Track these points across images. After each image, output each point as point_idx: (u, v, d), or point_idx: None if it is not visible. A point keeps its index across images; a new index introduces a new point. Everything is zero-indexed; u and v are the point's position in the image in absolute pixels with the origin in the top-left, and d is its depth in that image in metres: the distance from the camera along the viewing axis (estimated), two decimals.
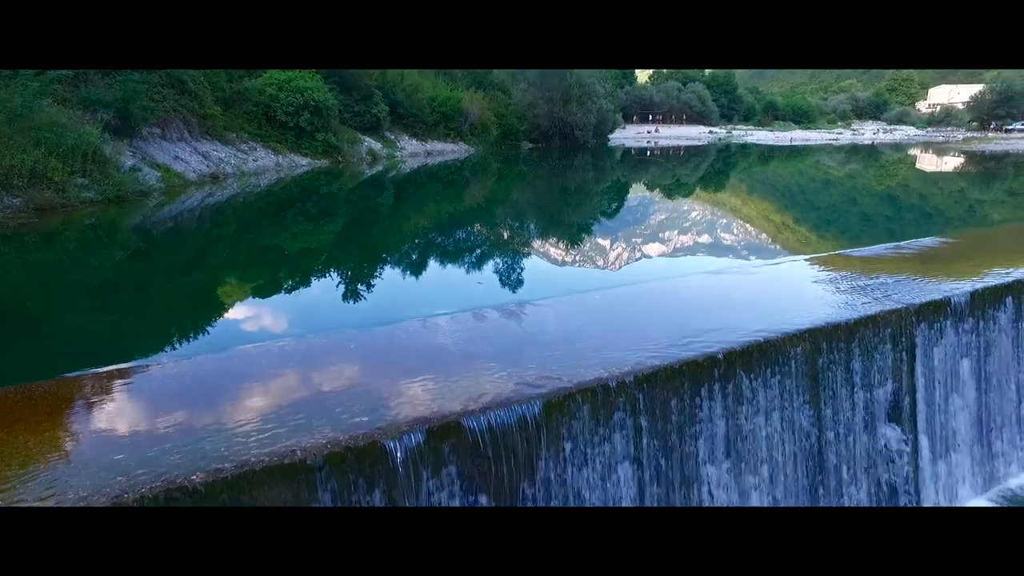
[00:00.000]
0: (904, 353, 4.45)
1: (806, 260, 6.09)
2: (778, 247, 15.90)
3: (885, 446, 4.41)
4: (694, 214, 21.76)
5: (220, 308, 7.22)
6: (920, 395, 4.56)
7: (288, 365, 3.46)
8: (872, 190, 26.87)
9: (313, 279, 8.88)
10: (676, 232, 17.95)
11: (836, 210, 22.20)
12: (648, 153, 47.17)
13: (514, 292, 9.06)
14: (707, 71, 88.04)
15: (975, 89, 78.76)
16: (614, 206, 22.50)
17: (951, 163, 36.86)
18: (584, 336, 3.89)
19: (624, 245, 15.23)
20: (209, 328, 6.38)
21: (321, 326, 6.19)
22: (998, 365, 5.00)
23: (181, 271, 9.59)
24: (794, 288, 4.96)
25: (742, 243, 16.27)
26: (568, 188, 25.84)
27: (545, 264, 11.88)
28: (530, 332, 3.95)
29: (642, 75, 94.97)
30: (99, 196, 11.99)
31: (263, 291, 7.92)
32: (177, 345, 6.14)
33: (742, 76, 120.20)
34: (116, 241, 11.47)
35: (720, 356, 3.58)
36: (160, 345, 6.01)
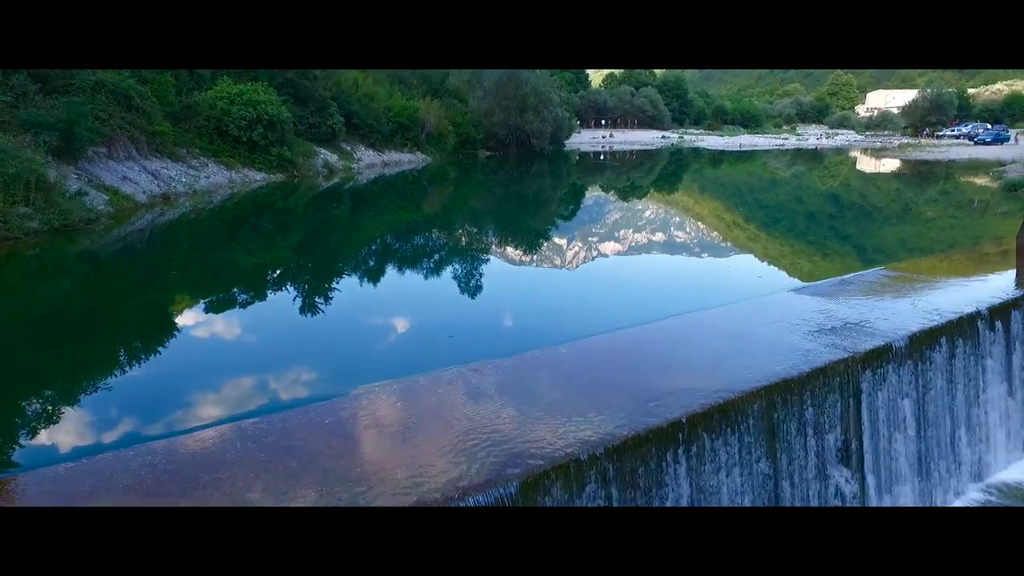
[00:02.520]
0: (851, 399, 4.75)
1: (759, 301, 6.37)
2: (729, 244, 16.49)
3: (836, 487, 4.70)
4: (648, 213, 22.30)
5: (166, 337, 7.15)
6: (866, 437, 4.87)
7: (259, 448, 3.47)
8: (816, 190, 28.10)
9: (266, 305, 8.78)
10: (631, 231, 18.39)
11: (783, 208, 23.11)
12: (603, 157, 47.92)
13: (473, 298, 9.25)
14: (658, 75, 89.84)
15: (909, 95, 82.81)
16: (571, 208, 22.89)
17: (889, 166, 38.73)
18: (554, 400, 4.03)
19: (581, 244, 15.56)
20: (155, 359, 6.34)
21: (277, 366, 6.13)
22: (935, 402, 5.38)
23: (128, 297, 9.41)
24: (749, 337, 5.21)
25: (694, 241, 16.80)
26: (526, 194, 26.11)
27: (506, 266, 12.08)
28: (500, 401, 4.06)
29: (596, 79, 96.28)
30: (44, 226, 11.52)
31: (212, 319, 7.78)
32: (127, 369, 6.15)
33: (691, 79, 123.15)
34: (62, 269, 11.08)
35: (683, 420, 3.78)
36: (105, 373, 5.96)
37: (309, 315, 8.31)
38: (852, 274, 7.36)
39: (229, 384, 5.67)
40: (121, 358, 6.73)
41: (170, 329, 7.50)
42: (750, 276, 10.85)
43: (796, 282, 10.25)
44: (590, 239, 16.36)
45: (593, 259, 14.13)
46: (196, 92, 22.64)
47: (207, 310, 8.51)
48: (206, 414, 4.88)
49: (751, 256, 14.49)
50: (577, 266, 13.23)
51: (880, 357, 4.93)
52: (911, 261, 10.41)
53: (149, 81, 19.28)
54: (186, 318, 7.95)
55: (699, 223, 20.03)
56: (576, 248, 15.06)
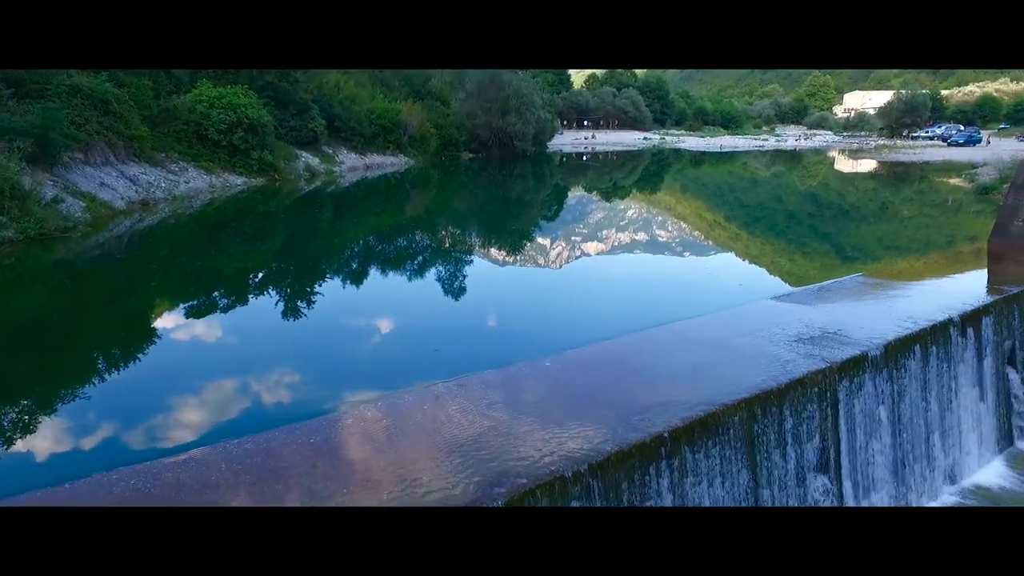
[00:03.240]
0: (829, 408, 4.86)
1: (739, 311, 6.47)
2: (710, 243, 16.72)
3: (814, 494, 4.80)
4: (631, 213, 22.51)
5: (146, 348, 7.11)
6: (843, 444, 4.98)
7: (244, 469, 3.47)
8: (796, 189, 28.56)
9: (248, 315, 8.72)
10: (614, 230, 18.56)
11: (764, 208, 23.46)
12: (585, 158, 48.16)
13: (457, 301, 9.31)
14: (640, 75, 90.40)
15: (885, 96, 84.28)
16: (554, 209, 23.04)
17: (866, 167, 39.42)
18: (539, 416, 4.07)
19: (564, 244, 15.70)
20: (135, 372, 6.32)
21: (259, 374, 6.11)
22: (910, 408, 5.51)
23: (107, 306, 9.31)
24: (730, 347, 5.29)
25: (677, 240, 17.02)
26: (509, 196, 26.19)
27: (490, 269, 12.12)
28: (486, 417, 4.09)
29: (577, 80, 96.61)
30: (19, 235, 11.33)
31: (193, 329, 7.72)
32: (106, 381, 6.13)
33: (672, 80, 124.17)
34: (38, 279, 10.90)
35: (666, 435, 3.84)
36: (83, 386, 5.93)
37: (292, 323, 8.27)
38: (831, 280, 7.50)
39: (212, 399, 5.63)
40: (100, 369, 6.65)
41: (150, 340, 7.42)
42: (732, 280, 10.99)
43: (777, 282, 10.42)
44: (573, 239, 16.51)
45: (577, 258, 14.27)
46: (174, 96, 22.36)
47: (188, 318, 8.43)
48: (189, 431, 4.85)
49: (732, 255, 14.69)
50: (561, 266, 13.35)
51: (857, 366, 5.05)
52: (888, 263, 10.64)
53: (126, 85, 19.00)
54: (166, 329, 7.87)
55: (681, 222, 20.27)
56: (559, 248, 15.18)
